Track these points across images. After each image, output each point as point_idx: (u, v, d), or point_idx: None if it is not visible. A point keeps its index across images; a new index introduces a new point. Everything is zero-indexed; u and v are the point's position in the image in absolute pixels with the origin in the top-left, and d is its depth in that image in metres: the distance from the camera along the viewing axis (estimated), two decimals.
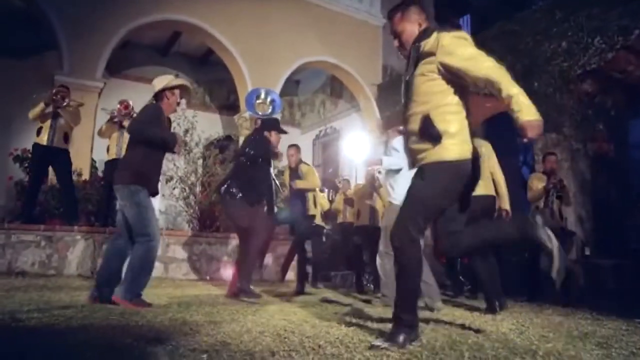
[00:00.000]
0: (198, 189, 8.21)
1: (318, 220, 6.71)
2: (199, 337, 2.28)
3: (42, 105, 5.85)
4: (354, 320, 3.13)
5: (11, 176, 7.70)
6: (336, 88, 11.79)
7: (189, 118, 8.64)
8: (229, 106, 11.83)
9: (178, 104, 3.67)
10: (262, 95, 7.73)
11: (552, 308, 4.73)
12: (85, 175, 7.21)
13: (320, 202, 6.95)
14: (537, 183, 5.98)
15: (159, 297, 4.10)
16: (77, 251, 5.79)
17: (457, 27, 10.35)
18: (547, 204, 5.85)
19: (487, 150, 4.81)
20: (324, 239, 7.86)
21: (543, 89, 7.30)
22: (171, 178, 7.56)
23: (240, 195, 4.31)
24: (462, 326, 3.09)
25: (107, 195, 6.33)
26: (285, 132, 4.97)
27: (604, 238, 6.82)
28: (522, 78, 7.66)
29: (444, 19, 11.64)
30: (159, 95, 3.61)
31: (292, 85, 12.65)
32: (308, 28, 9.83)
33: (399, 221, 2.38)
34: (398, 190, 4.08)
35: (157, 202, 7.90)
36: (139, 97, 10.29)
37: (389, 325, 2.97)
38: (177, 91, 3.65)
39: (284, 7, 9.65)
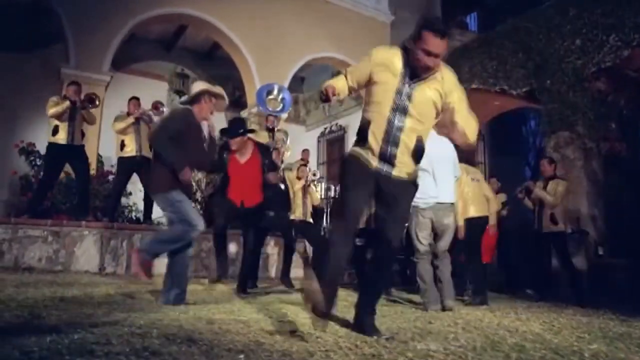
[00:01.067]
0: (204, 184, 8.11)
1: (298, 216, 6.59)
2: (230, 336, 2.19)
3: (66, 104, 5.74)
4: (382, 319, 3.03)
5: (15, 171, 7.56)
6: None
7: None
8: (234, 102, 11.64)
9: (211, 112, 3.56)
10: (275, 92, 7.63)
11: (570, 308, 4.66)
12: (93, 171, 7.08)
13: (311, 195, 6.85)
14: (534, 187, 6.02)
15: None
16: (84, 247, 5.68)
17: (465, 25, 10.24)
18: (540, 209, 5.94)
19: (479, 176, 5.27)
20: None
21: (556, 87, 7.24)
22: None
23: None
24: (492, 326, 3.00)
25: (119, 191, 6.22)
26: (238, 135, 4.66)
27: (617, 238, 6.76)
28: (533, 76, 7.60)
29: (452, 16, 11.57)
30: (195, 98, 3.50)
31: (296, 82, 12.52)
32: (315, 24, 9.72)
33: (402, 226, 2.73)
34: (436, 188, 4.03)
35: None
36: (143, 92, 10.19)
37: (419, 324, 2.90)
38: (214, 100, 3.55)
39: (291, 3, 9.53)
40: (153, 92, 10.55)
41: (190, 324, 2.44)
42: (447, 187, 4.04)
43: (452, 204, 4.09)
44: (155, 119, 6.35)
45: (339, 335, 2.35)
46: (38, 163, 7.17)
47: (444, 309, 3.94)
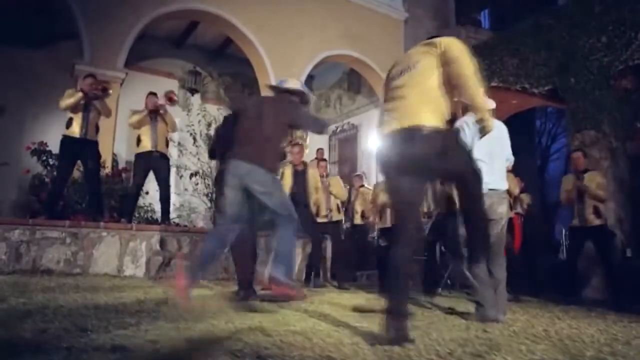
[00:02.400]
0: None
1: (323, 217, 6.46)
2: (296, 350, 2.02)
3: (79, 95, 5.54)
4: (432, 327, 2.88)
5: (28, 169, 7.37)
6: (354, 83, 11.52)
7: (211, 112, 8.39)
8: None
9: None
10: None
11: (611, 312, 4.52)
12: (108, 169, 6.91)
13: (338, 192, 6.74)
14: (567, 184, 5.91)
15: (205, 299, 3.86)
16: (102, 249, 5.51)
17: (478, 23, 10.03)
18: (580, 203, 5.77)
19: None
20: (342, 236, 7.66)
21: (581, 85, 7.08)
22: (196, 173, 7.28)
23: None
24: (552, 335, 2.84)
25: (136, 192, 6.05)
26: None
27: None
28: (556, 74, 7.45)
29: (465, 14, 11.42)
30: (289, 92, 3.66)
31: (306, 80, 12.35)
32: (330, 21, 9.55)
33: None
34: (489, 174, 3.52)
35: (173, 198, 7.65)
36: (153, 89, 10.02)
37: (479, 334, 2.74)
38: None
39: (306, 0, 9.38)
40: (163, 89, 10.38)
41: (247, 336, 2.28)
42: (501, 173, 3.69)
43: (505, 190, 3.71)
44: (170, 110, 6.17)
45: (409, 349, 2.19)
46: (51, 162, 6.98)
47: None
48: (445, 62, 2.44)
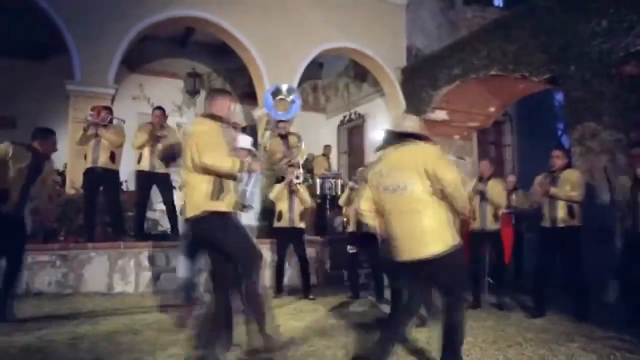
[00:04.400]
0: None
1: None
2: None
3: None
4: None
5: None
6: (359, 71, 11.25)
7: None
8: (250, 94, 11.52)
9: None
10: (284, 91, 7.38)
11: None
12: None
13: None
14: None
15: None
16: (92, 269, 5.81)
17: (487, 0, 9.32)
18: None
19: None
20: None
21: (580, 74, 6.64)
22: None
23: None
24: None
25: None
26: None
27: None
28: (556, 61, 6.99)
29: None
30: None
31: (315, 68, 12.16)
32: (326, 11, 9.30)
33: None
34: None
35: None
36: (159, 92, 10.20)
37: None
38: None
39: None
40: (169, 91, 10.57)
41: None
42: None
43: None
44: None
45: None
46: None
47: None
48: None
